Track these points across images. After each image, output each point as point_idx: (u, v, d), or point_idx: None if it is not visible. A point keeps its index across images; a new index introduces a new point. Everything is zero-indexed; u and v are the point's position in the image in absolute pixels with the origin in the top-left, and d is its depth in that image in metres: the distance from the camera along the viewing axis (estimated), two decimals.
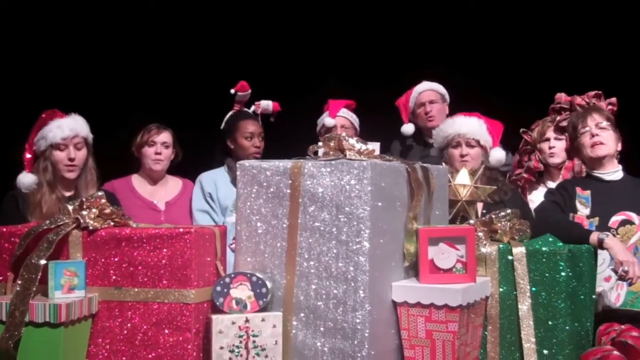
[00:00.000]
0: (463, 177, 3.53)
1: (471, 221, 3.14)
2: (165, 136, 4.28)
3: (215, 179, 4.36)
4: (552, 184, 4.11)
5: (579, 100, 4.08)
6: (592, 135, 3.62)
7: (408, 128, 4.90)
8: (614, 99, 4.11)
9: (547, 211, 3.59)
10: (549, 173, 4.28)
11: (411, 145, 4.95)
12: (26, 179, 3.74)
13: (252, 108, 4.58)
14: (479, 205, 3.74)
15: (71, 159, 3.72)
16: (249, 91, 4.50)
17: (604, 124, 3.64)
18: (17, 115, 4.46)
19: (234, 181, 4.26)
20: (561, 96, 4.15)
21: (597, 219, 3.52)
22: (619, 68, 5.39)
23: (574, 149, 3.87)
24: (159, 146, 4.25)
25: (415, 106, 4.89)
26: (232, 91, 4.49)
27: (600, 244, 3.25)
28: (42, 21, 5.77)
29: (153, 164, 4.26)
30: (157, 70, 5.81)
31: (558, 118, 4.12)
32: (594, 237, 3.27)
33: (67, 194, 3.76)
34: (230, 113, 4.53)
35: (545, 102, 4.31)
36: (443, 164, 3.87)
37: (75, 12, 5.77)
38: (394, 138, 5.03)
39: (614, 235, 3.41)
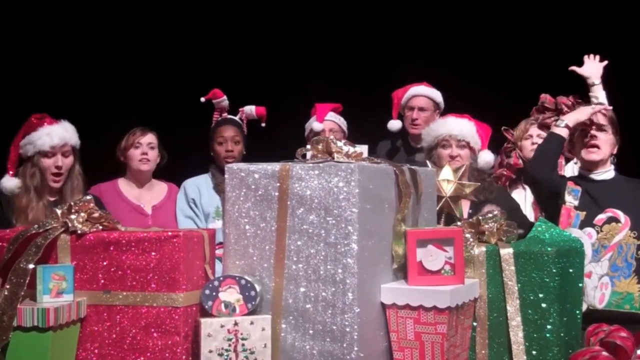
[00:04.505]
0: (447, 173, 3.53)
1: (458, 223, 3.15)
2: (150, 137, 4.30)
3: (198, 185, 4.38)
4: None
5: (564, 100, 4.07)
6: (589, 137, 3.60)
7: (394, 124, 4.85)
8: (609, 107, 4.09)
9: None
10: None
11: (398, 148, 4.93)
12: (9, 183, 3.70)
13: (238, 115, 4.59)
14: (466, 205, 3.74)
15: (58, 167, 3.70)
16: (224, 97, 4.50)
17: (606, 126, 3.62)
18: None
19: (216, 188, 4.29)
20: (546, 97, 4.13)
21: (584, 213, 3.53)
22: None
23: (569, 141, 3.77)
24: (145, 147, 4.27)
25: (405, 107, 4.86)
26: (203, 99, 4.51)
27: (565, 127, 3.56)
28: (30, 26, 5.78)
29: (140, 165, 4.27)
30: (143, 75, 5.82)
31: (542, 116, 4.10)
32: (555, 131, 3.59)
33: (52, 198, 3.74)
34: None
35: (530, 102, 4.31)
36: (430, 164, 3.87)
37: (64, 15, 5.79)
38: (381, 139, 5.02)
39: (597, 232, 3.45)
